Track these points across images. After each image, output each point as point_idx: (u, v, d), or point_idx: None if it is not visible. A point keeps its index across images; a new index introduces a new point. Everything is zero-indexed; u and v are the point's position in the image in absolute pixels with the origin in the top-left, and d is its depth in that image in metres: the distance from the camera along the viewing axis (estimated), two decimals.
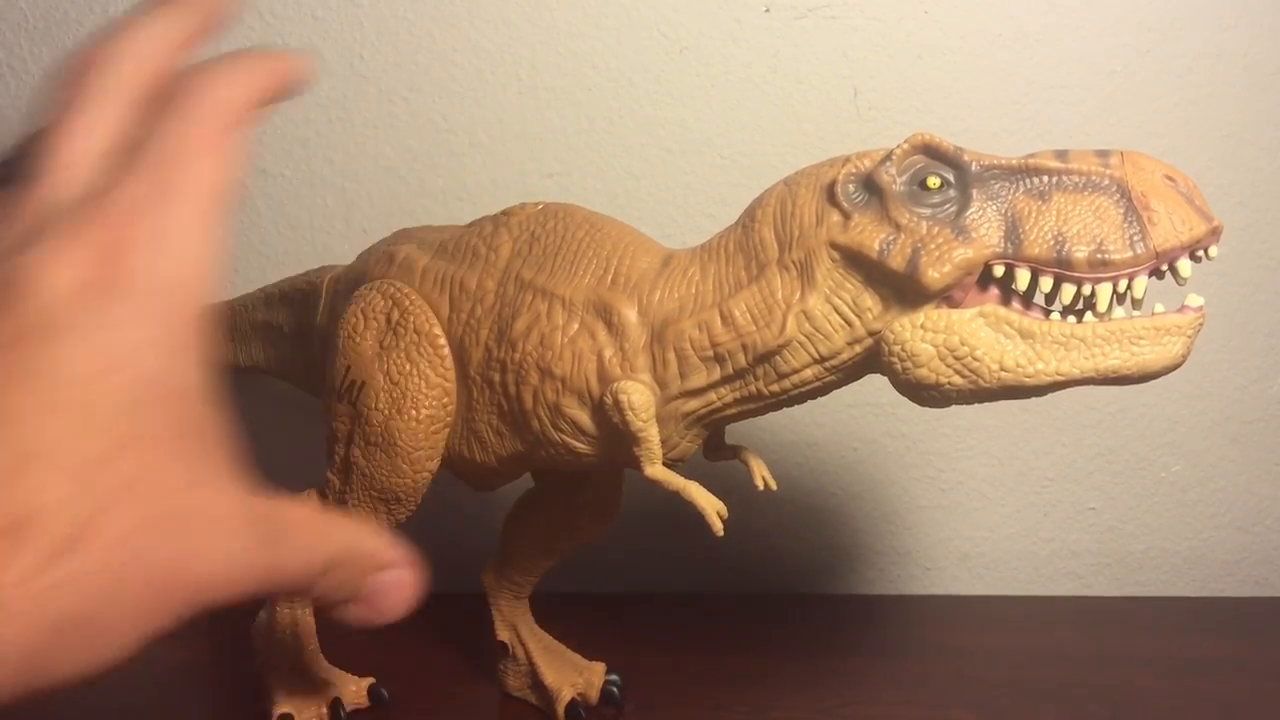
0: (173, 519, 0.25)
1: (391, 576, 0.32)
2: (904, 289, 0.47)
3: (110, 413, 0.25)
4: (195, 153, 0.28)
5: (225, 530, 0.26)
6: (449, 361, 0.57)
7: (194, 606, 0.26)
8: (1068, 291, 0.46)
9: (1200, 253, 0.46)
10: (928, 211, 0.47)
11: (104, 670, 0.24)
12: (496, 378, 0.55)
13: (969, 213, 0.46)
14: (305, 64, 0.32)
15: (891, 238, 0.47)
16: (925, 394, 0.47)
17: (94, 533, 0.23)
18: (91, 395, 0.25)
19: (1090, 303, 0.46)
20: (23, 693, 0.23)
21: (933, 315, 0.46)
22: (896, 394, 0.49)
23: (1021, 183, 0.46)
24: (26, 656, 0.23)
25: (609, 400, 0.51)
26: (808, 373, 0.50)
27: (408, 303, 0.57)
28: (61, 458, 0.24)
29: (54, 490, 0.23)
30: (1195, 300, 0.46)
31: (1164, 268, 0.45)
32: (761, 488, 0.56)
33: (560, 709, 0.64)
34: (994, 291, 0.47)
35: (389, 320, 0.57)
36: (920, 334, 0.46)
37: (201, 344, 0.27)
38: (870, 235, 0.47)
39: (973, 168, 0.47)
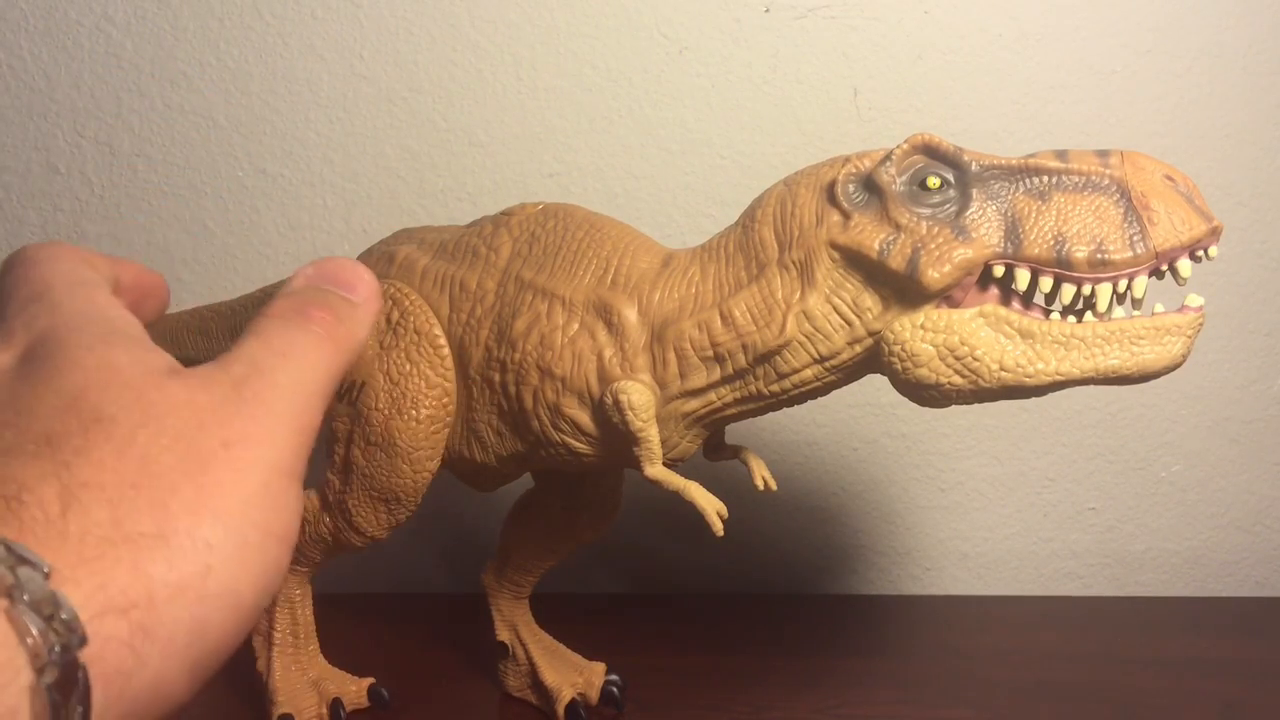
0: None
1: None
2: (904, 289, 0.47)
3: None
4: None
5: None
6: (449, 361, 0.57)
7: None
8: (1068, 291, 0.46)
9: (1200, 253, 0.45)
10: (928, 211, 0.47)
11: None
12: (496, 378, 0.55)
13: (969, 213, 0.46)
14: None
15: (891, 238, 0.47)
16: (925, 394, 0.47)
17: None
18: None
19: (1090, 303, 0.46)
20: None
21: (933, 315, 0.46)
22: (896, 394, 0.49)
23: (1021, 183, 0.46)
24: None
25: (609, 400, 0.51)
26: (808, 373, 0.50)
27: (408, 303, 0.57)
28: None
29: None
30: (1195, 300, 0.46)
31: (1164, 268, 0.45)
32: (761, 488, 0.56)
33: (560, 709, 0.64)
34: (994, 291, 0.47)
35: (389, 320, 0.57)
36: (920, 334, 0.46)
37: None
38: (870, 235, 0.47)
39: (973, 168, 0.47)
